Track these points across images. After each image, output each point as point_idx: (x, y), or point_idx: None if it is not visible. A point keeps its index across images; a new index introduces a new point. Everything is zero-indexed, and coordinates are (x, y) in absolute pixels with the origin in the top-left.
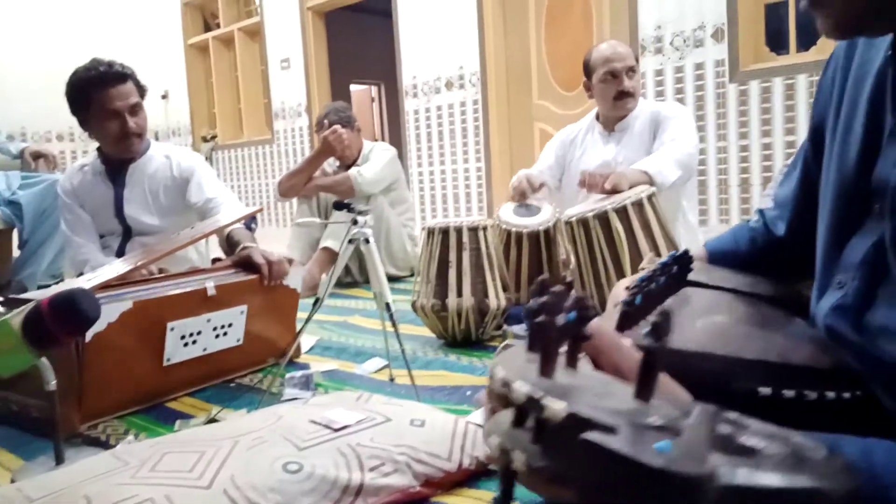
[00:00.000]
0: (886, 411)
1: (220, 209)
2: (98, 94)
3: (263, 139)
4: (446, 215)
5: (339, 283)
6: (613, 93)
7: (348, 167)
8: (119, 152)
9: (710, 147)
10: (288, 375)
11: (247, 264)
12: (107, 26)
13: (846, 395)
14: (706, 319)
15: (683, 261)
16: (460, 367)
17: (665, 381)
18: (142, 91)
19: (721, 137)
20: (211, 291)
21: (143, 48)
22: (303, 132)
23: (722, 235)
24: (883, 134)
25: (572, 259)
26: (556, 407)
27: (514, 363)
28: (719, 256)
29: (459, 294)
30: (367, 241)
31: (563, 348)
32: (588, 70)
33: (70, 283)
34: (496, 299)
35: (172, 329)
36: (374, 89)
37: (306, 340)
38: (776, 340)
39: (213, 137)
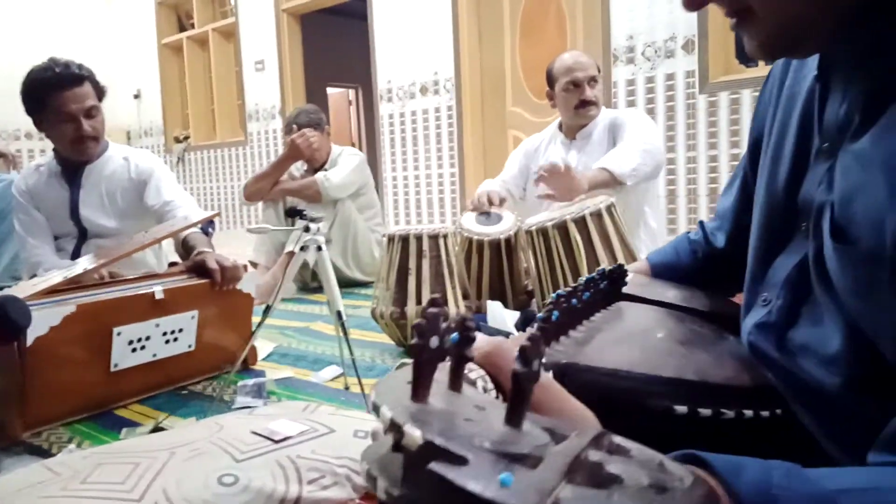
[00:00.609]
0: (805, 430)
1: (178, 212)
2: (53, 97)
3: (237, 141)
4: (420, 220)
5: (306, 288)
6: (575, 102)
7: (316, 171)
8: (74, 155)
9: (680, 157)
10: (240, 383)
11: (201, 269)
12: (79, 24)
13: (765, 413)
14: (631, 335)
15: (615, 275)
16: None
17: (571, 401)
18: (100, 93)
19: (690, 147)
20: (159, 295)
21: (116, 47)
22: (276, 134)
23: (664, 247)
24: (811, 154)
25: (533, 268)
26: (414, 434)
27: (393, 386)
28: (661, 269)
29: (419, 302)
30: (319, 248)
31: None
32: (551, 79)
33: (22, 286)
34: (456, 307)
35: (119, 334)
36: (351, 92)
37: (264, 347)
38: (698, 358)
39: (186, 138)
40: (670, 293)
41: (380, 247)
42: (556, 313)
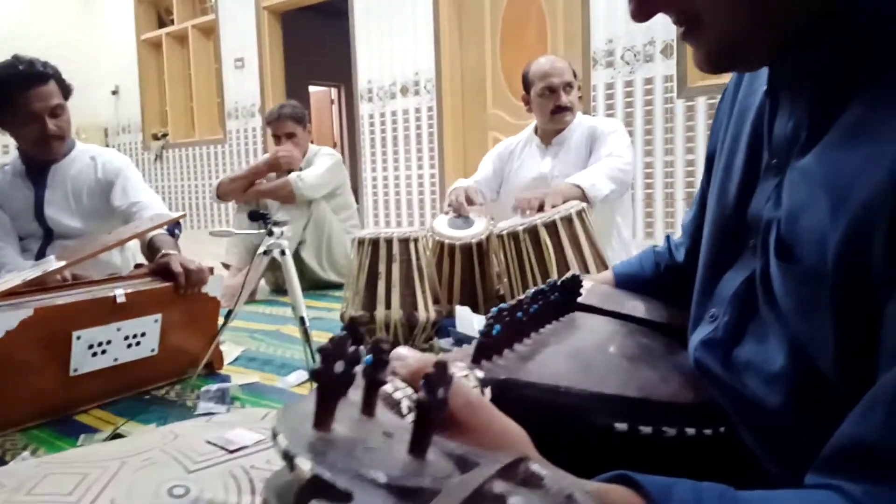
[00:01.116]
0: (748, 449)
1: (144, 213)
2: (17, 96)
3: (215, 138)
4: (399, 221)
5: (279, 290)
6: (551, 107)
7: (291, 169)
8: (39, 154)
9: (658, 161)
10: (203, 388)
11: (165, 272)
12: (57, 18)
13: (708, 431)
14: (577, 350)
15: (568, 286)
16: None
17: (502, 421)
18: (65, 91)
19: (668, 152)
20: (120, 299)
21: (94, 42)
22: (256, 132)
23: (631, 258)
24: (760, 169)
25: (505, 272)
26: (304, 467)
27: (298, 412)
28: (625, 279)
29: (388, 306)
30: (283, 252)
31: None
32: (527, 84)
33: None
34: (425, 312)
35: (79, 338)
36: (333, 91)
37: (231, 351)
38: (643, 374)
39: (165, 135)
40: (629, 304)
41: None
42: (497, 327)
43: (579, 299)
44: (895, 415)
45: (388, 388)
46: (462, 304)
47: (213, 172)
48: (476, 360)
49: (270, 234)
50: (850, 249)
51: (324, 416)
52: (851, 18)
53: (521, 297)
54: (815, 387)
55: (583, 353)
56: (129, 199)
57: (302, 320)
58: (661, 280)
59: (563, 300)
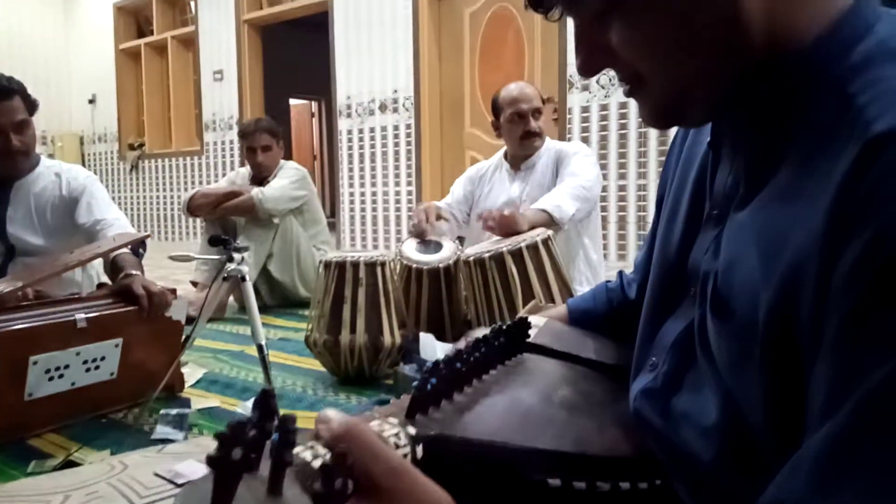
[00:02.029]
0: (682, 503)
1: (108, 231)
2: None
3: (192, 150)
4: (376, 237)
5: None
6: (520, 132)
7: (261, 182)
8: (2, 170)
9: (631, 184)
10: (162, 412)
11: (127, 294)
12: (35, 26)
13: (643, 485)
14: (515, 401)
15: (515, 330)
16: (346, 409)
17: (425, 487)
18: (30, 107)
19: (641, 175)
20: (81, 324)
21: (72, 50)
22: (233, 145)
23: (583, 293)
24: (702, 218)
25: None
26: None
27: (199, 493)
28: (578, 315)
29: (353, 330)
30: (242, 278)
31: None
32: (496, 110)
33: None
34: (391, 336)
35: (36, 363)
36: (313, 105)
37: (193, 372)
38: (581, 425)
39: (141, 145)
40: (580, 344)
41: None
42: (433, 381)
43: (531, 339)
44: (817, 480)
45: (307, 455)
46: (429, 328)
47: (189, 184)
48: (410, 415)
49: (230, 259)
50: (779, 308)
51: (221, 501)
52: (783, 77)
53: (462, 346)
54: (748, 443)
55: (522, 403)
56: (94, 216)
57: (260, 348)
58: (613, 317)
59: (510, 343)
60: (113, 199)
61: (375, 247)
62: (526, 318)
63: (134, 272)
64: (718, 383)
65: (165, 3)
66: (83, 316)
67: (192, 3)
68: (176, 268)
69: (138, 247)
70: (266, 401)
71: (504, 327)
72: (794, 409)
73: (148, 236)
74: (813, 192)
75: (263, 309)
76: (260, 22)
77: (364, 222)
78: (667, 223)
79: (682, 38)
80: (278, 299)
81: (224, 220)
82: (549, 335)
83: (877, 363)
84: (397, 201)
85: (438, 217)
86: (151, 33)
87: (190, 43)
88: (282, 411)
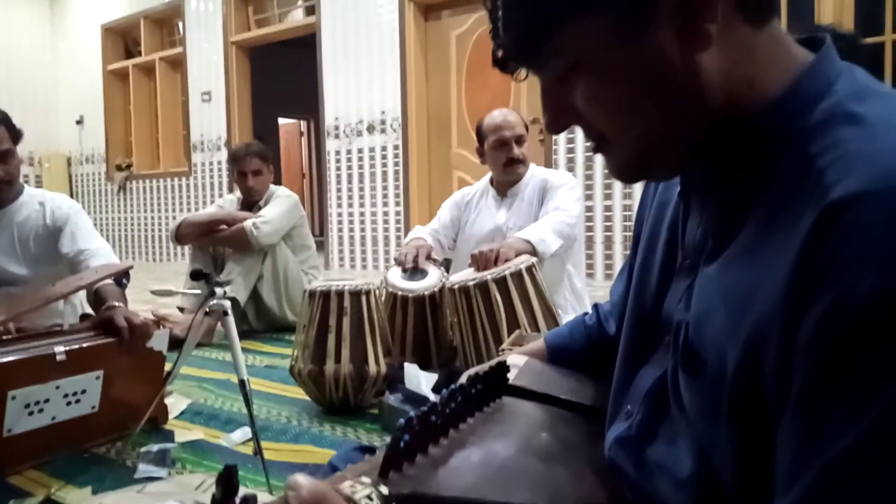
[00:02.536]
0: None
1: (91, 262)
2: None
3: (180, 171)
4: (364, 257)
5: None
6: (503, 159)
7: (251, 206)
8: None
9: (616, 204)
10: (144, 449)
11: (108, 326)
12: (23, 46)
13: None
14: (490, 453)
15: (493, 376)
16: (330, 441)
17: None
18: (15, 136)
19: (626, 196)
20: (60, 357)
21: (60, 71)
22: (221, 166)
23: (562, 328)
24: (675, 266)
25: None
26: None
27: None
28: (557, 352)
29: (338, 360)
30: (225, 313)
31: None
32: (480, 137)
33: None
34: (376, 366)
35: (14, 398)
36: (303, 124)
37: (178, 403)
38: (557, 475)
39: (129, 166)
40: (560, 385)
41: None
42: (406, 437)
43: (510, 380)
44: None
45: None
46: (415, 355)
47: (177, 205)
48: (383, 474)
49: (212, 294)
50: (746, 366)
51: None
52: (745, 137)
53: (438, 399)
54: (722, 496)
55: (498, 455)
56: (78, 246)
57: (242, 383)
58: (592, 354)
59: (488, 389)
60: (100, 220)
61: (364, 267)
62: (504, 362)
63: (116, 304)
64: (692, 435)
65: (153, 25)
66: (62, 349)
67: (180, 25)
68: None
69: (122, 277)
70: (229, 478)
71: (482, 374)
72: (763, 466)
73: (130, 267)
74: (776, 252)
75: (250, 334)
76: (248, 43)
77: (353, 242)
78: (641, 268)
79: (642, 100)
80: (265, 324)
81: (213, 249)
82: (529, 376)
83: (838, 431)
84: (385, 222)
85: (428, 257)
86: (139, 54)
87: (178, 64)
88: (265, 444)
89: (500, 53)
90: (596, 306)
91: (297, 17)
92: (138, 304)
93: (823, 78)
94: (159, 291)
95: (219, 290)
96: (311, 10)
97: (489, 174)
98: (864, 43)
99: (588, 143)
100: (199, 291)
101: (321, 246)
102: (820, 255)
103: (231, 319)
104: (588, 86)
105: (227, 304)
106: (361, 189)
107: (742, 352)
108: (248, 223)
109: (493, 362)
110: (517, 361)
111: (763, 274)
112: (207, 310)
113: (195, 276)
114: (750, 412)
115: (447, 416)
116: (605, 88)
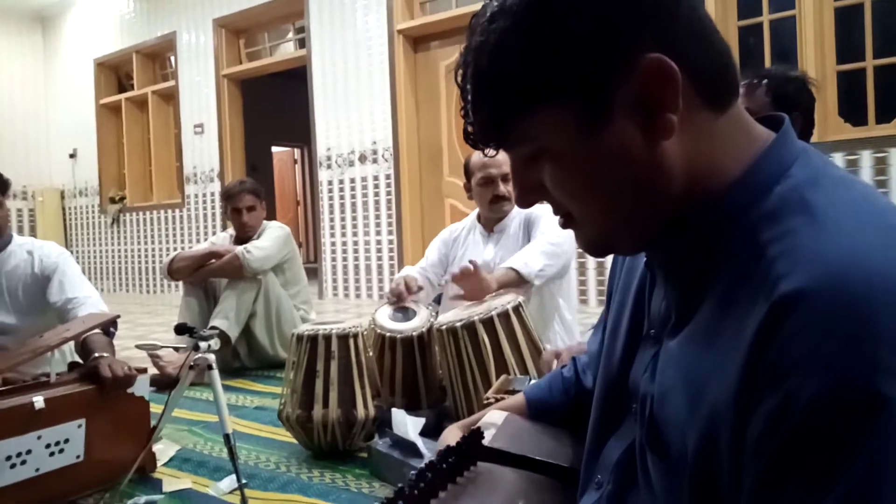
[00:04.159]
0: None
1: (80, 311)
2: None
3: (174, 203)
4: (358, 286)
5: (227, 370)
6: (490, 196)
7: (244, 242)
8: None
9: None
10: (130, 501)
11: (94, 377)
12: (16, 81)
13: None
14: None
15: (465, 448)
16: (318, 489)
17: None
18: (3, 186)
19: None
20: (39, 405)
21: (53, 105)
22: (214, 197)
23: (540, 381)
24: (642, 335)
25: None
26: None
27: None
28: (536, 406)
29: (325, 405)
30: (210, 367)
31: None
32: (468, 173)
33: None
34: (364, 409)
35: None
36: (296, 151)
37: (166, 449)
38: None
39: (122, 199)
40: (537, 444)
41: (307, 325)
42: None
43: (488, 441)
44: None
45: None
46: (404, 395)
47: (171, 236)
48: None
49: (196, 348)
50: (703, 455)
51: None
52: (702, 221)
53: (407, 483)
54: None
55: None
56: (66, 294)
57: (227, 438)
58: (571, 408)
59: (462, 460)
60: (94, 252)
61: (358, 296)
62: (478, 428)
63: (103, 354)
64: None
65: (146, 59)
66: (41, 398)
67: (172, 59)
68: (155, 325)
69: (109, 326)
70: None
71: (454, 446)
72: None
73: (118, 317)
74: (729, 340)
75: (242, 371)
76: (239, 76)
77: (346, 271)
78: (611, 333)
79: (606, 186)
80: (257, 361)
81: (205, 282)
82: (507, 436)
83: None
84: (379, 250)
85: (420, 289)
86: (132, 88)
87: (170, 97)
88: (253, 493)
89: (471, 132)
90: (574, 360)
91: (288, 49)
92: (129, 339)
93: (780, 161)
94: (144, 346)
95: (203, 344)
96: (301, 42)
97: (477, 210)
98: (813, 84)
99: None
100: (183, 345)
101: (315, 274)
102: (766, 356)
103: (216, 374)
104: (554, 170)
105: (212, 357)
106: (354, 218)
107: (699, 440)
108: (239, 248)
109: (476, 414)
110: (496, 419)
111: (718, 362)
112: (192, 364)
113: (179, 330)
114: (708, 498)
115: (416, 497)
116: (570, 174)
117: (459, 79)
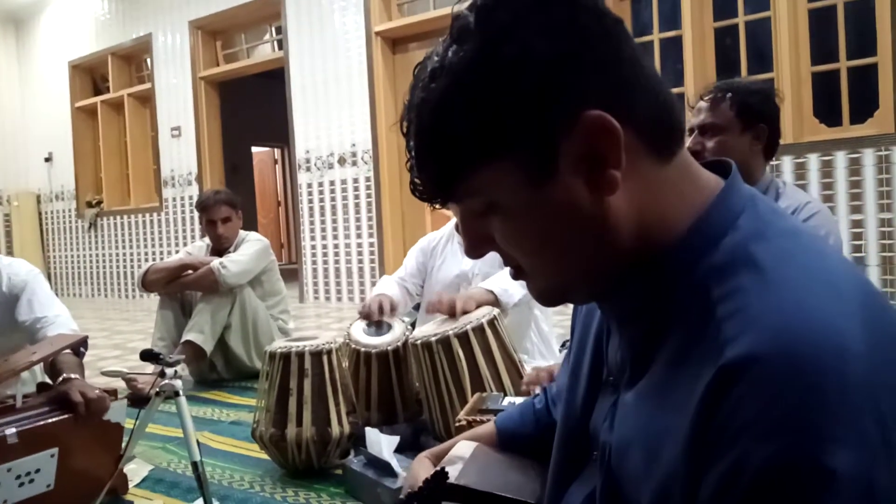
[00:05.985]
0: None
1: (49, 330)
2: None
3: (151, 206)
4: (339, 288)
5: (203, 382)
6: None
7: (221, 253)
8: None
9: None
10: None
11: (64, 401)
12: None
13: None
14: None
15: (429, 491)
16: None
17: None
18: None
19: None
20: (12, 440)
21: (27, 108)
22: (192, 201)
23: (512, 411)
24: (601, 381)
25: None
26: None
27: None
28: (507, 436)
29: (299, 423)
30: (176, 393)
31: None
32: None
33: None
34: (339, 427)
35: None
36: (276, 151)
37: (139, 469)
38: None
39: (99, 203)
40: (504, 478)
41: (285, 336)
42: None
43: (455, 476)
44: None
45: None
46: (380, 410)
47: (148, 240)
48: None
49: (163, 374)
50: None
51: None
52: (652, 275)
53: None
54: None
55: None
56: (35, 314)
57: (195, 465)
58: (541, 439)
59: (426, 501)
60: (71, 257)
61: (339, 299)
62: (443, 469)
63: (73, 376)
64: None
65: (121, 61)
66: (13, 430)
67: (148, 61)
68: (133, 333)
69: (79, 346)
70: None
71: (416, 491)
72: None
73: (87, 337)
74: (681, 400)
75: (219, 383)
76: (216, 78)
77: (327, 274)
78: (572, 374)
79: (554, 241)
80: (234, 373)
81: (181, 293)
82: (475, 471)
83: None
84: (359, 253)
85: (393, 309)
86: (108, 90)
87: (147, 100)
88: None
89: (418, 186)
90: (545, 389)
91: (265, 51)
92: (107, 348)
93: (728, 212)
94: (110, 372)
95: (169, 371)
96: (279, 44)
97: (454, 220)
98: (777, 95)
99: None
100: (149, 373)
101: (295, 275)
102: (715, 420)
103: (183, 400)
104: (502, 224)
105: (179, 384)
106: (335, 221)
107: (653, 499)
108: (214, 262)
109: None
110: (464, 451)
111: (671, 421)
112: (157, 390)
113: (145, 356)
114: None
115: None
116: (518, 228)
117: (404, 131)
